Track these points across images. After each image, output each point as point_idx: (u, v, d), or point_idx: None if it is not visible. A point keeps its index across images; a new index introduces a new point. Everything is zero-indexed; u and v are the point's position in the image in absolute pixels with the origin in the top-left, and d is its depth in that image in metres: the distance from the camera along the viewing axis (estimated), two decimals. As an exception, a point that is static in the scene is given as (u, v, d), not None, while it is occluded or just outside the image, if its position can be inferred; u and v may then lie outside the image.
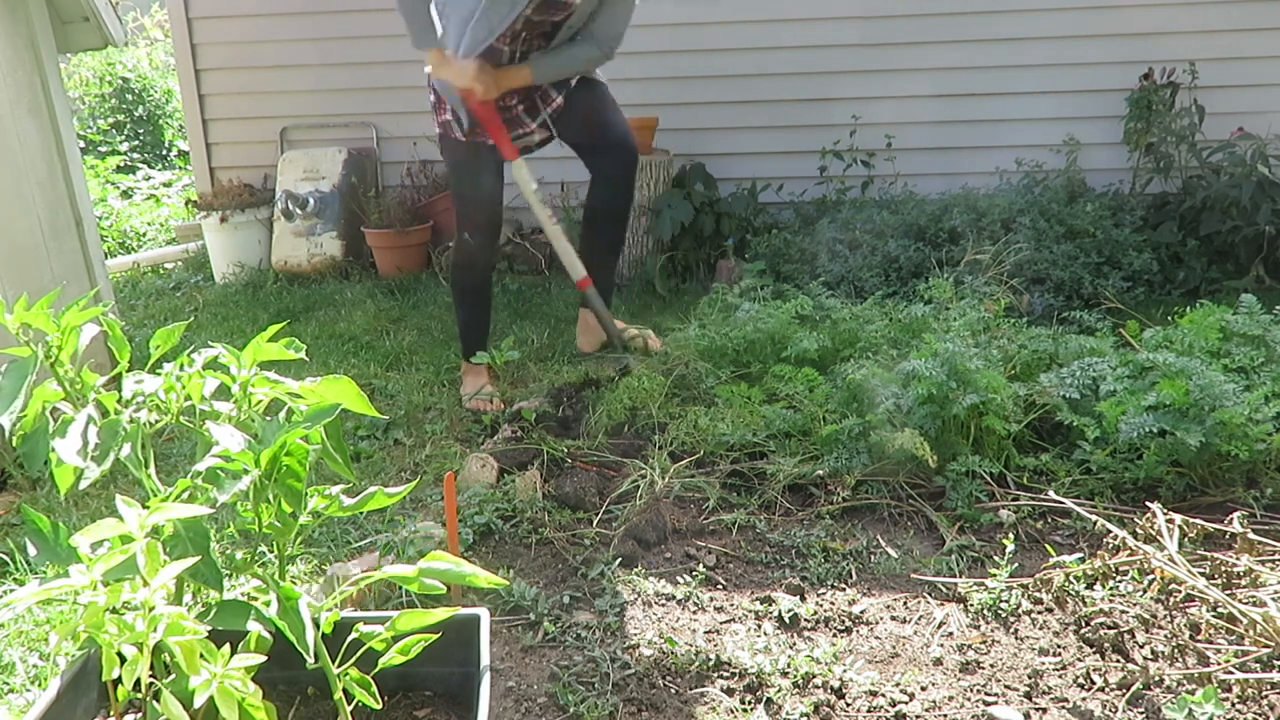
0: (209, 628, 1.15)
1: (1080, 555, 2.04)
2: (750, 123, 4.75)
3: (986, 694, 1.70)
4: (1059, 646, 1.81)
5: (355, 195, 4.74)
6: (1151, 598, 1.91)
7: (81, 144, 7.13)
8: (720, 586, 2.06)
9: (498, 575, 2.08)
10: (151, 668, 1.14)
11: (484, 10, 2.71)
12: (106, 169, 6.99)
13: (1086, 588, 1.95)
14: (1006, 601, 1.94)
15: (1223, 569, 1.87)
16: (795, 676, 1.73)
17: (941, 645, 1.84)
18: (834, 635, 1.88)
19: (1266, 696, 1.62)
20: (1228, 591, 1.82)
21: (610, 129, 3.07)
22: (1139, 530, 1.97)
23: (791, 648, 1.83)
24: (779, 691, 1.69)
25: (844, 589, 2.04)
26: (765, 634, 1.88)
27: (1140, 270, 3.95)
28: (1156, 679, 1.68)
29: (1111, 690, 1.68)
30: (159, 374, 1.36)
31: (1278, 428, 2.26)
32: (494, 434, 2.82)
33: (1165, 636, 1.80)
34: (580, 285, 3.10)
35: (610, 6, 2.88)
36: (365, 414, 1.40)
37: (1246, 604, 1.74)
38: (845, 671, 1.74)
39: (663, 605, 1.99)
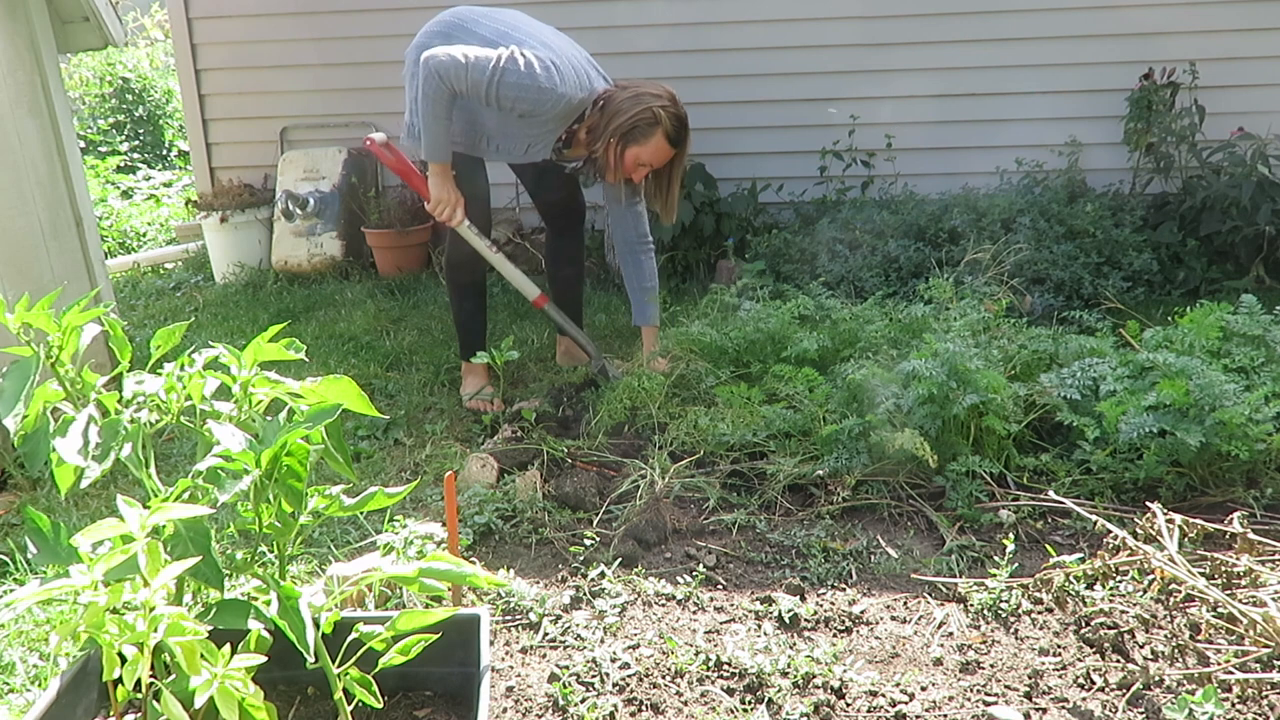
0: (209, 628, 1.15)
1: (1080, 555, 2.04)
2: (750, 123, 4.75)
3: (986, 694, 1.70)
4: (1059, 646, 1.81)
5: (355, 195, 4.74)
6: (1151, 598, 1.92)
7: (81, 144, 7.13)
8: (720, 586, 2.06)
9: (498, 575, 2.09)
10: (152, 668, 1.14)
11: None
12: (106, 169, 6.99)
13: (1086, 588, 1.95)
14: (1006, 601, 1.94)
15: (1223, 569, 1.87)
16: (795, 676, 1.73)
17: (941, 645, 1.84)
18: (834, 635, 1.88)
19: (1266, 696, 1.62)
20: (1228, 591, 1.82)
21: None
22: (1139, 530, 1.97)
23: (791, 648, 1.83)
24: (779, 691, 1.69)
25: (844, 589, 2.04)
26: (765, 634, 1.88)
27: (1140, 270, 3.95)
28: (1156, 679, 1.68)
29: (1111, 690, 1.68)
30: (159, 374, 1.36)
31: (1278, 428, 2.26)
32: (494, 434, 2.82)
33: (1165, 636, 1.81)
34: (536, 304, 3.18)
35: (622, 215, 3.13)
36: (365, 414, 1.40)
37: (1246, 604, 1.74)
38: (845, 671, 1.74)
39: (663, 605, 1.99)
